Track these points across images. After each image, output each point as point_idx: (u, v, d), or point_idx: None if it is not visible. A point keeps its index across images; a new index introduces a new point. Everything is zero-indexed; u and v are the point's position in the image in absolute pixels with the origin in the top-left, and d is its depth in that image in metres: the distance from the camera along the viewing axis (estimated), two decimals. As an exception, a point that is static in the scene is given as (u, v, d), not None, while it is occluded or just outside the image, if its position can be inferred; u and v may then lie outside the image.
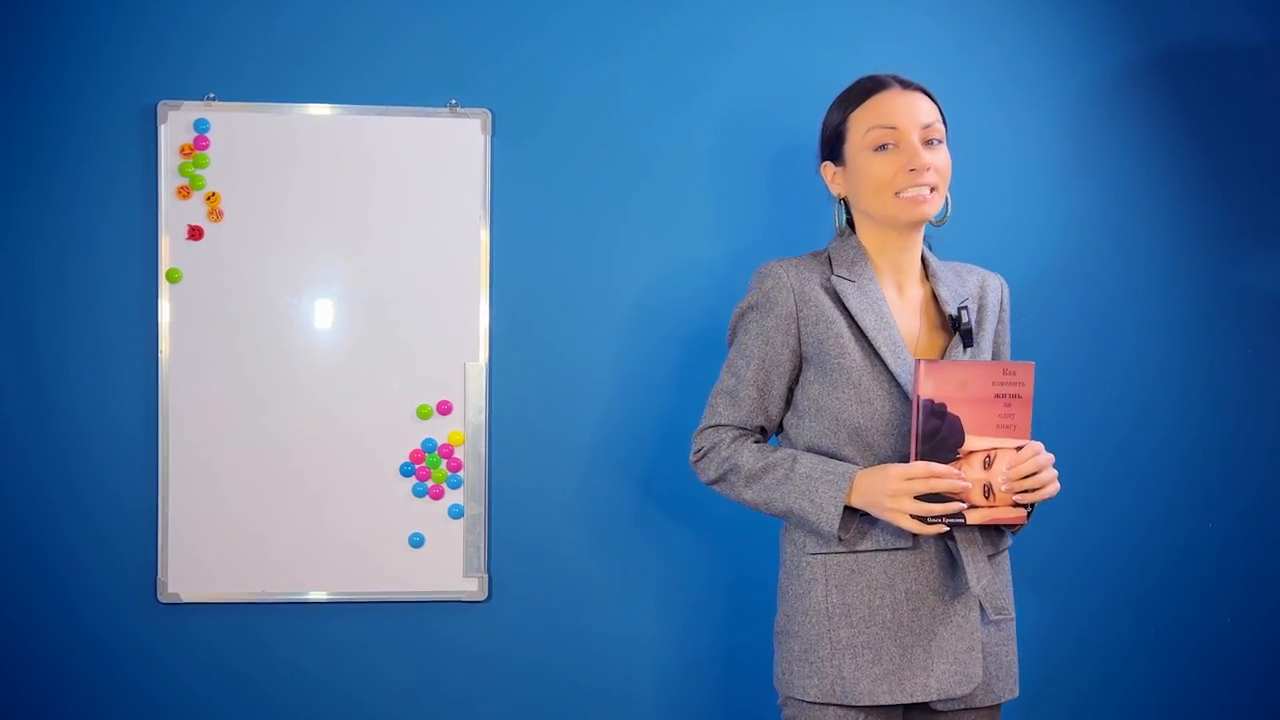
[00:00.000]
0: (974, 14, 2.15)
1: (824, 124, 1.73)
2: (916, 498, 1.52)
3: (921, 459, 1.52)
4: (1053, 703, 2.15)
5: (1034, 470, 1.54)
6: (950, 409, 1.51)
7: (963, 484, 1.51)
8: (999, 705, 1.66)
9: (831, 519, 1.56)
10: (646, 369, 2.11)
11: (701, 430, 1.72)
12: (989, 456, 1.53)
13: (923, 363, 1.50)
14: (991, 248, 2.03)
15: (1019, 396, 1.53)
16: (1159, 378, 2.18)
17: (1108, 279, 2.17)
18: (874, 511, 1.55)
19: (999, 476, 1.53)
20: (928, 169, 1.61)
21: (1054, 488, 1.56)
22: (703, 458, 1.71)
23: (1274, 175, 2.19)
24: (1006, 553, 1.70)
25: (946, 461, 1.52)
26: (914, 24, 2.14)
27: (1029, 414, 1.54)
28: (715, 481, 1.70)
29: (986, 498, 1.53)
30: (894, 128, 1.62)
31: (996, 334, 1.73)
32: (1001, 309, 1.74)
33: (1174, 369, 2.18)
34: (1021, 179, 2.15)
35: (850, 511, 1.59)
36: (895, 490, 1.52)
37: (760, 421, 1.69)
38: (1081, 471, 2.12)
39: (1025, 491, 1.55)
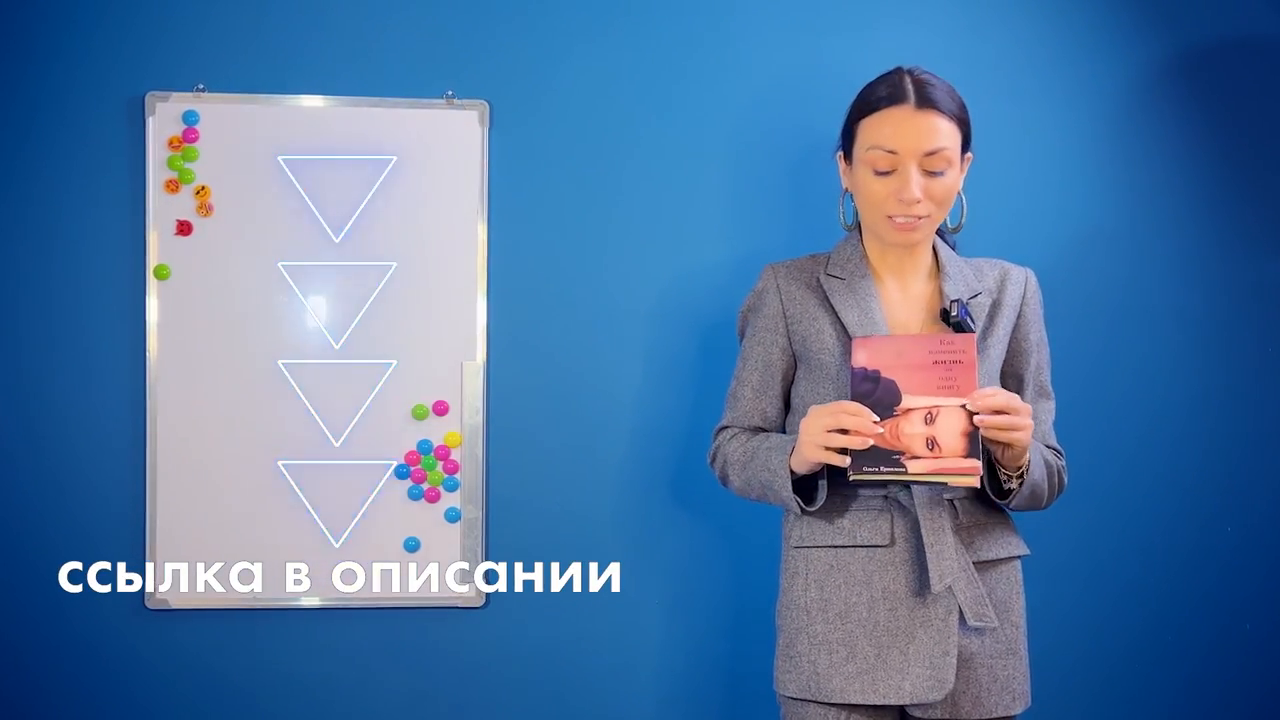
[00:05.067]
0: (992, 5, 2.12)
1: (847, 114, 1.69)
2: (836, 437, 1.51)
3: None
4: (1062, 710, 2.11)
5: (1004, 407, 1.49)
6: (885, 374, 1.52)
7: (872, 428, 1.49)
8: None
9: (784, 482, 1.58)
10: (649, 368, 2.07)
11: (714, 432, 1.78)
12: (931, 412, 1.51)
13: (855, 339, 1.56)
14: (1005, 242, 2.00)
15: (960, 362, 1.52)
16: (1175, 375, 2.15)
17: (1122, 275, 2.14)
18: (800, 456, 1.56)
19: (947, 428, 1.50)
20: (918, 201, 1.59)
21: (1025, 435, 1.51)
22: (711, 461, 1.78)
23: (1293, 170, 2.16)
24: (1015, 563, 1.67)
25: (883, 418, 1.51)
26: (931, 14, 2.11)
27: (973, 377, 1.51)
28: (722, 482, 1.76)
29: (930, 450, 1.51)
30: (894, 153, 1.59)
31: (1017, 328, 1.69)
32: (1024, 303, 1.71)
33: (1190, 367, 2.15)
34: (1035, 172, 2.12)
35: (823, 485, 1.60)
36: (807, 424, 1.54)
37: (757, 421, 1.72)
38: (1094, 472, 2.08)
39: (995, 432, 1.50)
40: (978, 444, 1.50)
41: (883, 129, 1.60)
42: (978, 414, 1.49)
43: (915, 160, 1.58)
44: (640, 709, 2.08)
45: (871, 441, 1.50)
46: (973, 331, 1.60)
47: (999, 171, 2.09)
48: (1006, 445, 1.53)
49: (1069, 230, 2.13)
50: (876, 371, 1.53)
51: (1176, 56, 2.14)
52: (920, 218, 1.60)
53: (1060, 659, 2.10)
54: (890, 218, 1.61)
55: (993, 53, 2.11)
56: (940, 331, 1.64)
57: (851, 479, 1.52)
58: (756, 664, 2.00)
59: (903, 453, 1.50)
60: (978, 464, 1.49)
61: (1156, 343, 2.14)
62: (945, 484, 1.53)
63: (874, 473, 1.51)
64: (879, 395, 1.52)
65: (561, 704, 2.07)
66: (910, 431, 1.51)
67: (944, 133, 1.59)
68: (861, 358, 1.53)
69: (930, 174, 1.59)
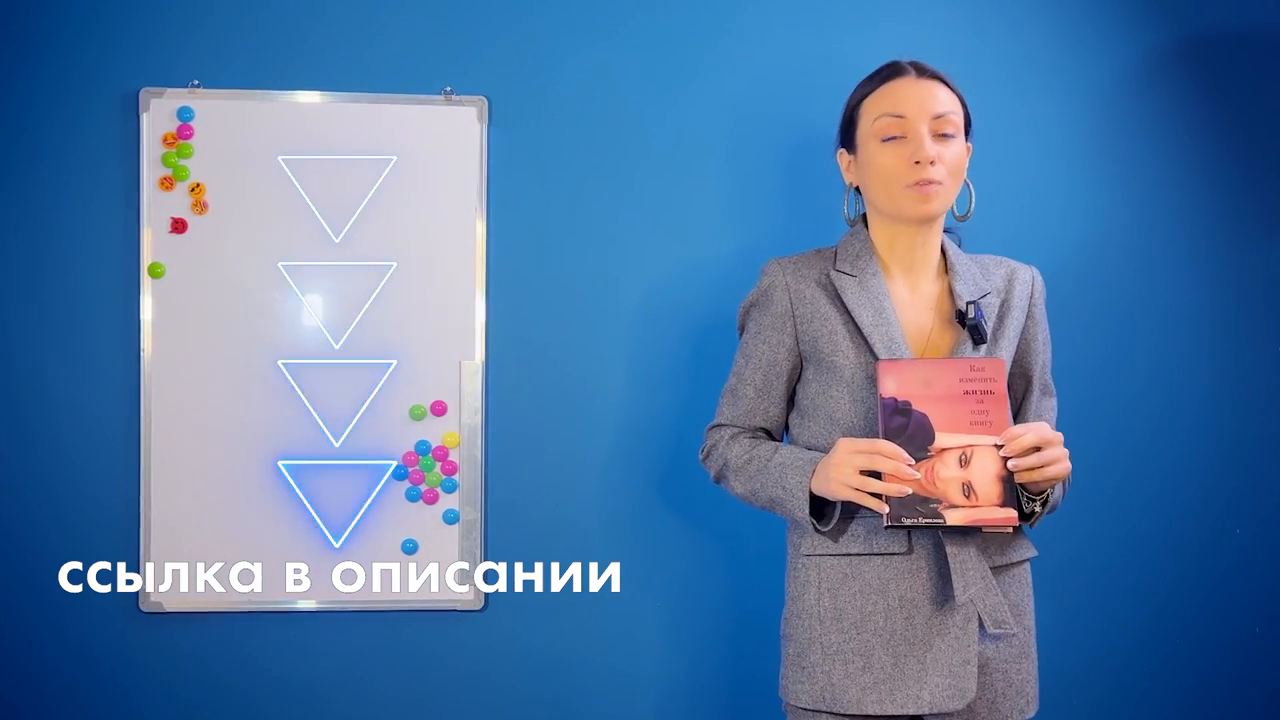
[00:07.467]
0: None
1: (844, 108, 1.69)
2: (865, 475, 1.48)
3: None
4: (1070, 713, 2.09)
5: (1037, 444, 1.46)
6: (917, 407, 1.49)
7: (909, 473, 1.46)
8: None
9: (801, 503, 1.55)
10: (650, 368, 2.05)
11: (708, 429, 1.75)
12: (965, 454, 1.48)
13: (880, 362, 1.51)
14: (1010, 239, 1.99)
15: (991, 393, 1.49)
16: (1182, 375, 2.13)
17: (1129, 272, 2.12)
18: (826, 489, 1.52)
19: (982, 471, 1.47)
20: (933, 162, 1.57)
21: (1062, 466, 1.48)
22: (706, 457, 1.74)
23: (1303, 165, 2.14)
24: (1026, 565, 1.65)
25: (917, 460, 1.48)
26: (932, 8, 2.09)
27: (1005, 410, 1.49)
28: (717, 480, 1.73)
29: (967, 496, 1.47)
30: (902, 117, 1.58)
31: (1025, 329, 1.67)
32: (1031, 303, 1.68)
33: (1198, 365, 2.13)
34: (1041, 169, 2.10)
35: (838, 505, 1.57)
36: (839, 460, 1.49)
37: (759, 421, 1.69)
38: (1100, 473, 2.07)
39: (1031, 471, 1.47)
40: (1013, 490, 1.48)
41: (889, 97, 1.60)
42: (1011, 458, 1.46)
43: (925, 123, 1.57)
44: (640, 710, 2.06)
45: (910, 489, 1.47)
46: (986, 334, 1.58)
47: (1005, 169, 2.07)
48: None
49: (1075, 227, 2.10)
50: (907, 404, 1.49)
51: (1182, 50, 2.11)
52: (938, 182, 1.57)
53: (1068, 661, 2.08)
54: (908, 187, 1.58)
55: (995, 48, 2.09)
56: (955, 332, 1.62)
57: (887, 527, 1.48)
58: (758, 665, 1.99)
59: (940, 500, 1.47)
60: (1014, 514, 1.47)
61: (1164, 342, 2.12)
62: (980, 530, 1.51)
63: (912, 522, 1.47)
64: (912, 432, 1.48)
65: (561, 705, 2.05)
66: (946, 475, 1.47)
67: (948, 100, 1.60)
68: (890, 385, 1.49)
69: (939, 138, 1.58)
